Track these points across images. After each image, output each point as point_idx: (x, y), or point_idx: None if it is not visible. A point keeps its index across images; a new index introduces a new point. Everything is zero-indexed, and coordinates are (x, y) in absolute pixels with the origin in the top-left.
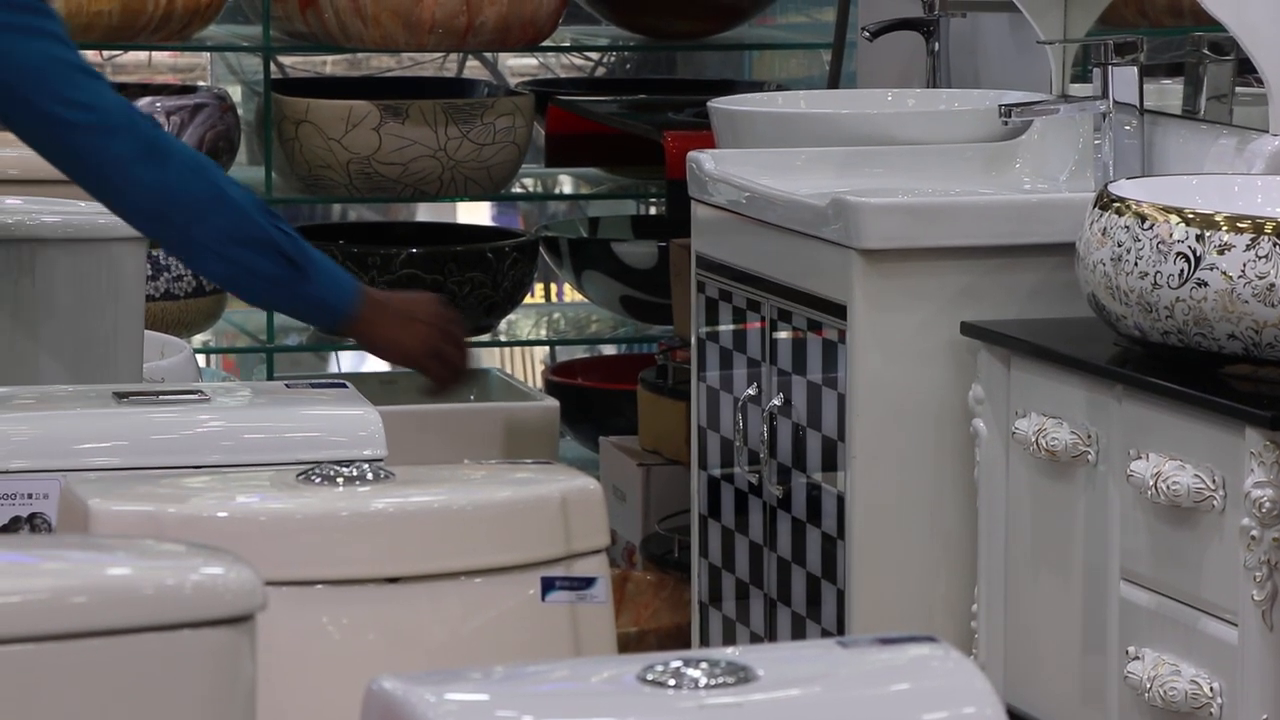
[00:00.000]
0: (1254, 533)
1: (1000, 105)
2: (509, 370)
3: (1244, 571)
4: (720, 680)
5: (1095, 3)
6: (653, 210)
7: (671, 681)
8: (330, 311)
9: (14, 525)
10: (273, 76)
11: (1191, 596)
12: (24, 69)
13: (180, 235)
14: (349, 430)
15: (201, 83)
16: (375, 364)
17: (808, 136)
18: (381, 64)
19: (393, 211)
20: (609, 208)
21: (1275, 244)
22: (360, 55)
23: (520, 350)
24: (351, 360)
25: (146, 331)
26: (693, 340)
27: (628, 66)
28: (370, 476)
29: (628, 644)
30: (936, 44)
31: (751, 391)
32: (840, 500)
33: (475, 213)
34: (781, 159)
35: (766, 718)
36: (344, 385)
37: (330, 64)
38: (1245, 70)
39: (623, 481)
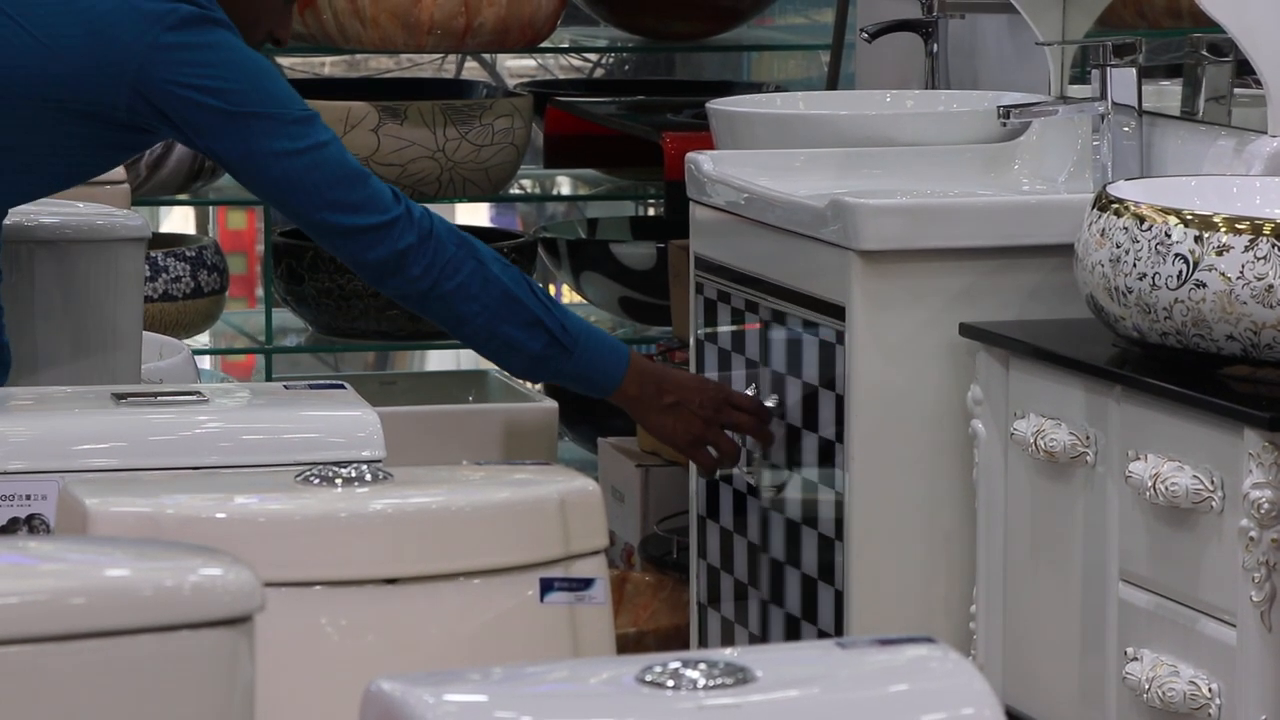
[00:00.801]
0: (1252, 534)
1: (999, 106)
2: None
3: (1242, 572)
4: (719, 681)
5: (1094, 4)
6: (651, 211)
7: (670, 682)
8: (596, 388)
9: (12, 526)
10: None
11: (1190, 597)
12: (292, 185)
13: (449, 314)
14: (347, 431)
15: None
16: (377, 364)
17: (806, 138)
18: (380, 65)
19: None
20: (607, 209)
21: (1274, 245)
22: (359, 56)
23: None
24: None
25: (145, 333)
26: (691, 341)
27: (626, 68)
28: (369, 478)
29: (626, 645)
30: (935, 45)
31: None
32: (839, 501)
33: (474, 214)
34: (780, 160)
35: (765, 719)
36: (342, 386)
37: (329, 65)
38: (1244, 71)
39: (621, 483)
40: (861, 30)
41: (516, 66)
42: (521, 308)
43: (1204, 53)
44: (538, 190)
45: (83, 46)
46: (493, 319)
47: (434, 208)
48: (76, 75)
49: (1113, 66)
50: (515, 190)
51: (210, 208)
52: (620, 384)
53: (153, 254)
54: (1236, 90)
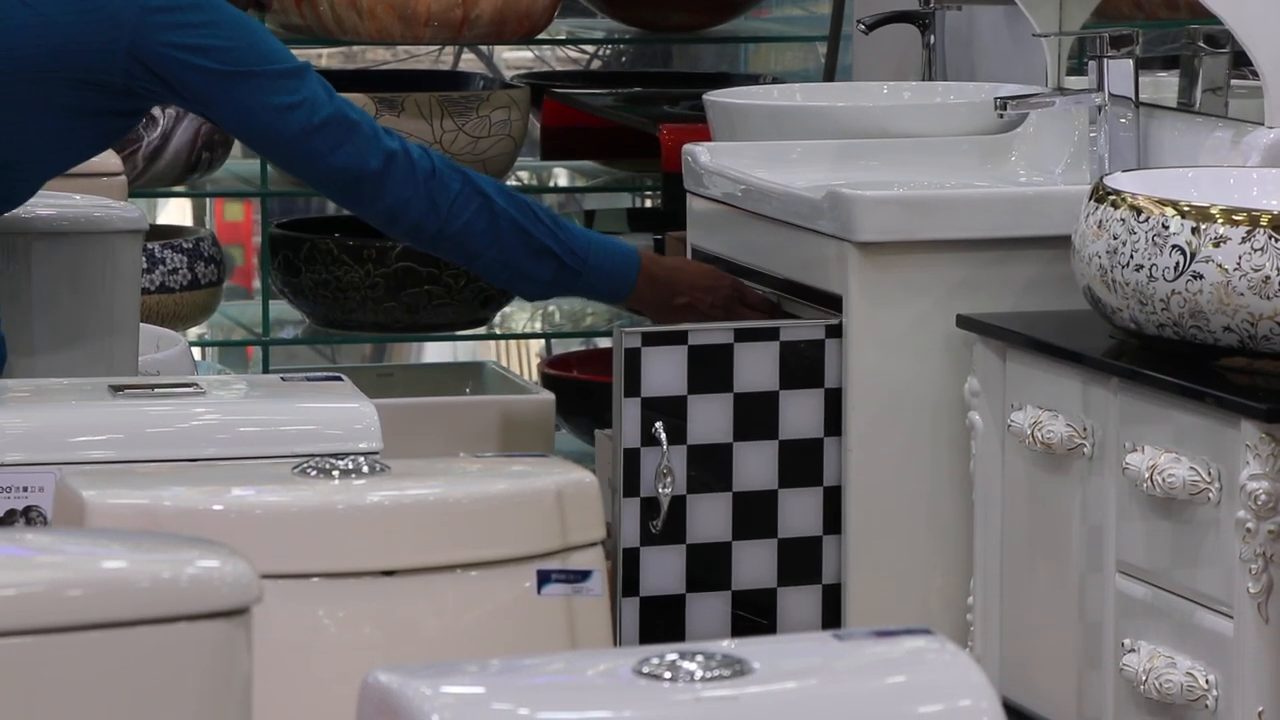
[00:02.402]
0: (1249, 525)
1: (996, 98)
2: (504, 363)
3: (1239, 564)
4: (716, 673)
5: None
6: (648, 203)
7: (667, 674)
8: (609, 297)
9: (9, 518)
10: None
11: (1187, 589)
12: (290, 139)
13: (460, 252)
14: (344, 423)
15: None
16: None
17: (803, 129)
18: (377, 57)
19: None
20: (605, 200)
21: (1271, 237)
22: (356, 48)
23: (515, 343)
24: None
25: (142, 324)
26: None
27: (623, 59)
28: (366, 469)
29: None
30: (932, 37)
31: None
32: (836, 493)
33: None
34: (777, 152)
35: (762, 711)
36: (339, 378)
37: (326, 57)
38: (1241, 63)
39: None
40: (858, 22)
41: (513, 58)
42: (529, 238)
43: (1201, 44)
44: (535, 182)
45: (76, 16)
46: (504, 252)
47: None
48: (72, 46)
49: (1110, 58)
50: (512, 182)
51: (207, 199)
52: (632, 291)
53: (150, 246)
54: (1233, 82)
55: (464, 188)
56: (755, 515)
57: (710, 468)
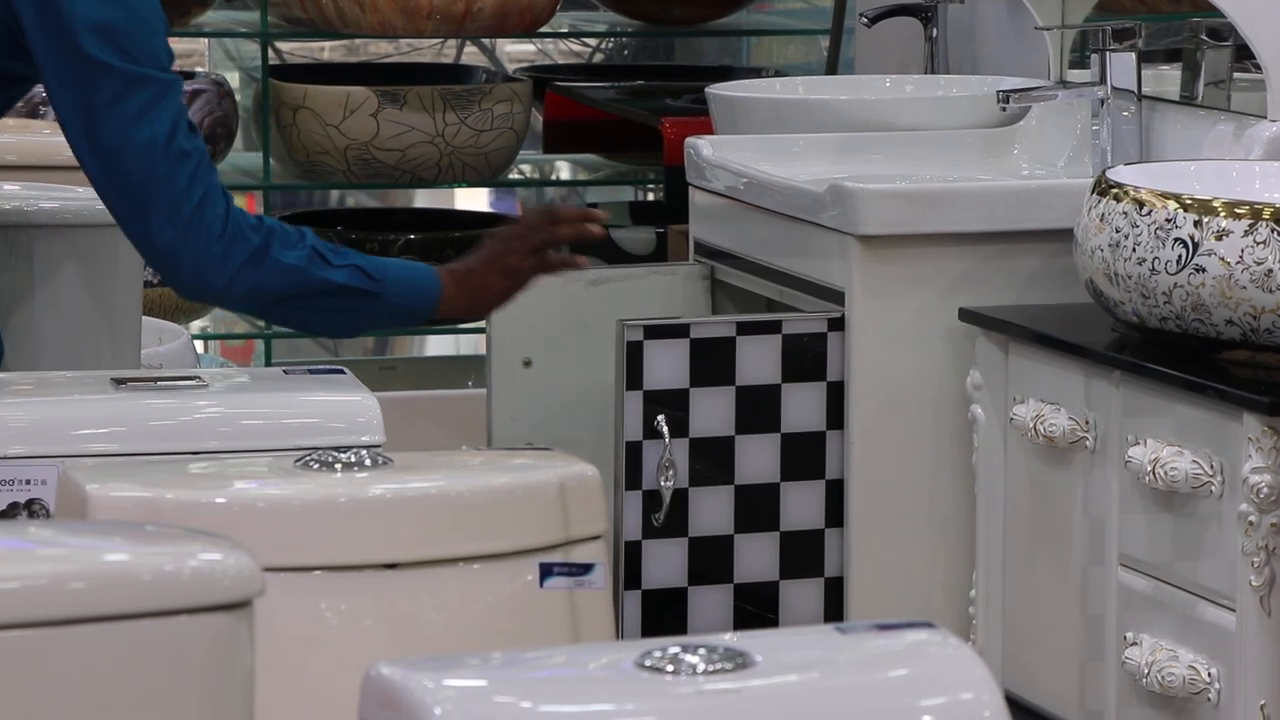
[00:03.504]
0: (1252, 518)
1: (998, 91)
2: None
3: (1242, 557)
4: (718, 666)
5: None
6: (651, 196)
7: (669, 668)
8: (415, 316)
9: (12, 511)
10: (270, 62)
11: (1189, 582)
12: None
13: (261, 315)
14: (347, 416)
15: (199, 69)
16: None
17: (806, 122)
18: (379, 50)
19: (390, 198)
20: (607, 194)
21: (1273, 230)
22: (358, 41)
23: None
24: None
25: (144, 317)
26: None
27: (626, 52)
28: (368, 463)
29: None
30: (934, 30)
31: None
32: (838, 486)
33: (473, 199)
34: (779, 145)
35: (765, 704)
36: (342, 371)
37: (328, 50)
38: (1243, 56)
39: None
40: (861, 15)
41: (516, 51)
42: (315, 281)
43: (1203, 37)
44: (537, 175)
45: None
46: (304, 312)
47: (434, 193)
48: None
49: (1112, 51)
50: (514, 175)
51: None
52: (441, 291)
53: None
54: (1236, 75)
55: (248, 224)
56: (757, 508)
57: (712, 461)
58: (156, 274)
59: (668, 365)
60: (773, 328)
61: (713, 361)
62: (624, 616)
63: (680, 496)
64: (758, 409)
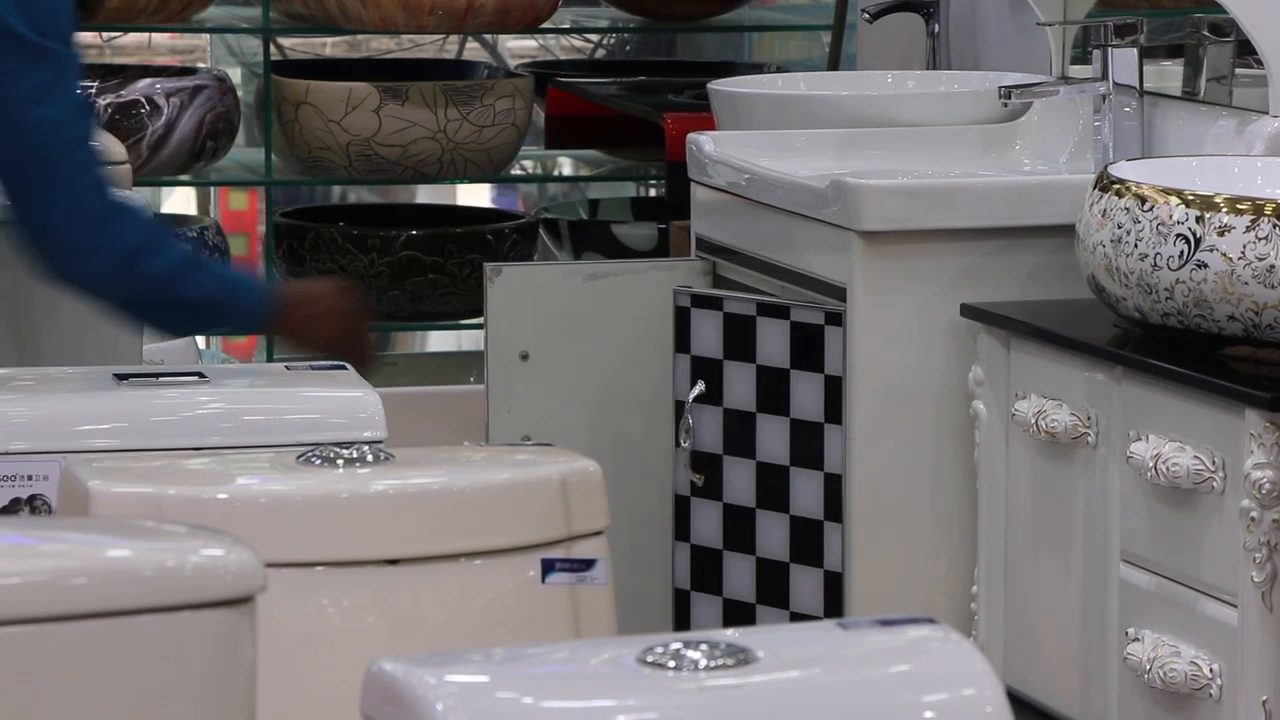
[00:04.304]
0: (1254, 514)
1: (1000, 87)
2: None
3: (1244, 553)
4: (720, 662)
5: None
6: (652, 192)
7: (671, 663)
8: (250, 328)
9: (14, 507)
10: (272, 58)
11: (1191, 578)
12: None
13: (111, 296)
14: (349, 412)
15: (201, 64)
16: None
17: (807, 118)
18: (381, 46)
19: (392, 193)
20: (609, 190)
21: (1275, 225)
22: (360, 37)
23: None
24: None
25: None
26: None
27: (627, 48)
28: (370, 458)
29: None
30: (936, 25)
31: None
32: (840, 482)
33: (475, 195)
34: (781, 141)
35: (766, 700)
36: (344, 367)
37: (330, 46)
38: (1245, 52)
39: None
40: (863, 11)
41: (517, 47)
42: (190, 296)
43: (1205, 33)
44: (539, 171)
45: None
46: (155, 313)
47: (435, 189)
48: None
49: (1114, 47)
50: (516, 171)
51: (212, 188)
52: (268, 322)
53: None
54: (1238, 70)
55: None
56: (773, 488)
57: (739, 433)
58: (29, 255)
59: (709, 334)
60: (783, 312)
61: (740, 337)
62: (675, 567)
63: (716, 463)
64: (772, 391)
